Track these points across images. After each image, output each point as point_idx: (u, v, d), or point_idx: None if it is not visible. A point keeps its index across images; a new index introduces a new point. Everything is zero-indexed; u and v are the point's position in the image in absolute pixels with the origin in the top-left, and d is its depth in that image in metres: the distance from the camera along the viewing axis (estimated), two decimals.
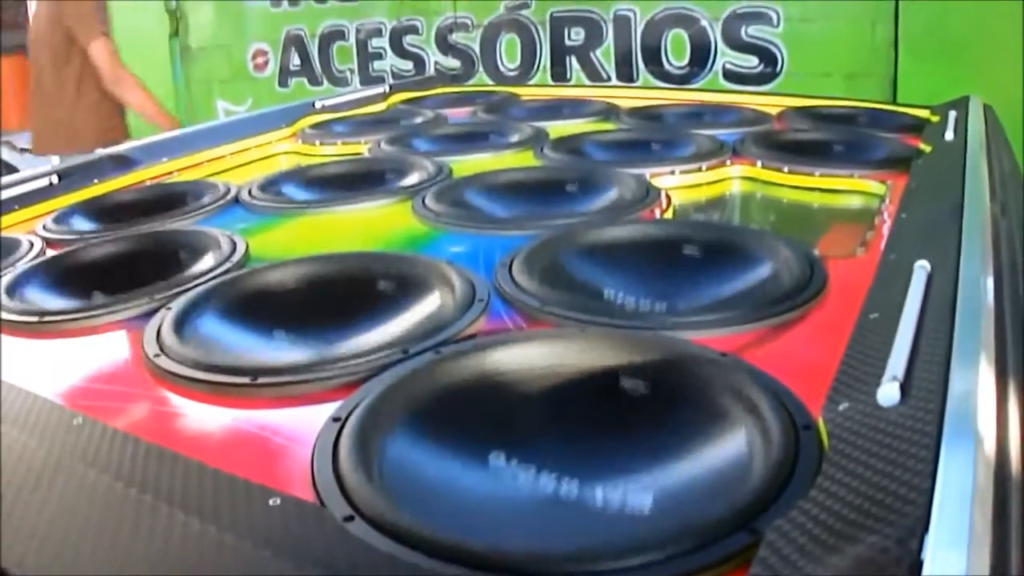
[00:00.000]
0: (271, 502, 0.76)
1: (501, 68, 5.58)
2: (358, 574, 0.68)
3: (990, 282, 1.09)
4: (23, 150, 5.27)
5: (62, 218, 1.93)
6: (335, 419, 0.95)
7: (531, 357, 1.06)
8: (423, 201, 1.82)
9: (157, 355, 1.16)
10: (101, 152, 2.45)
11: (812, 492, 0.74)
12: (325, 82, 6.37)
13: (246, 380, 1.07)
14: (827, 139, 2.31)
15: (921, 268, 1.15)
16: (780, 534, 0.68)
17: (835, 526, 0.67)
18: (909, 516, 0.63)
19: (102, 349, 1.27)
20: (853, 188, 1.98)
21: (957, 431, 0.72)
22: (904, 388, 0.85)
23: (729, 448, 0.89)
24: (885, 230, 1.55)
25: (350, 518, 0.78)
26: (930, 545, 0.59)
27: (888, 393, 0.84)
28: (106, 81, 3.97)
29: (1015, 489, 0.70)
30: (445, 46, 5.79)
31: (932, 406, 0.79)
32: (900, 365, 0.89)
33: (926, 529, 0.60)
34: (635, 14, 5.09)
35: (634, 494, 0.85)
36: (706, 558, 0.71)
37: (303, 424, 0.98)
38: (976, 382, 0.82)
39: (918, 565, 0.57)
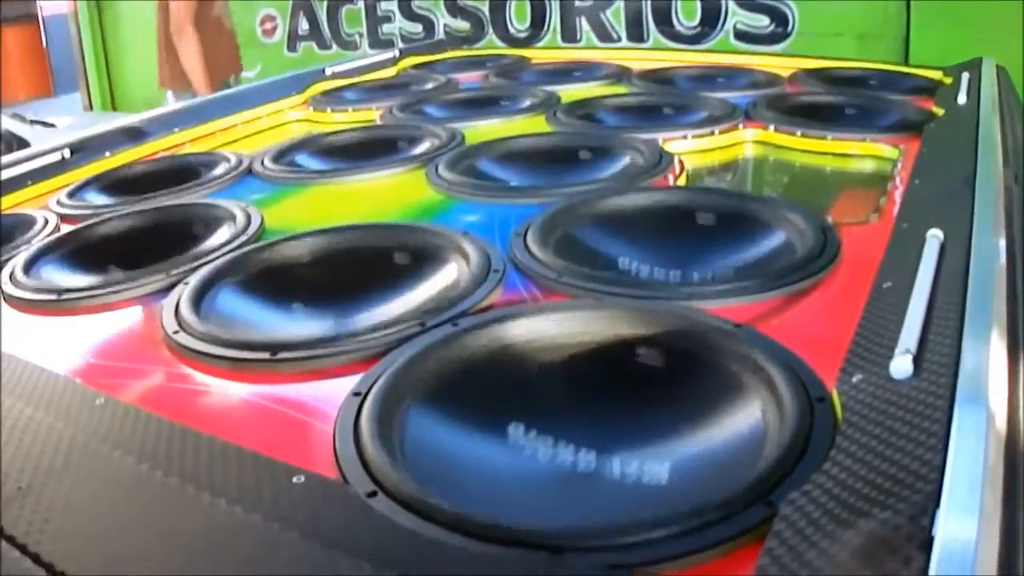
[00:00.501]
0: (295, 479, 0.77)
1: (511, 30, 5.56)
2: (382, 550, 0.69)
3: (1003, 252, 1.10)
4: (33, 122, 5.27)
5: (75, 193, 1.94)
6: (355, 394, 0.96)
7: (547, 329, 1.07)
8: (436, 169, 1.83)
9: (176, 331, 1.17)
10: (112, 124, 2.46)
11: (826, 466, 0.75)
12: (334, 46, 6.36)
13: (266, 356, 1.08)
14: (839, 102, 2.31)
15: (934, 237, 1.15)
16: (795, 508, 0.70)
17: (848, 500, 0.68)
18: (921, 492, 0.65)
19: (121, 326, 1.29)
20: (866, 152, 1.98)
21: (969, 406, 0.74)
22: (917, 361, 0.86)
23: (745, 420, 0.90)
24: (898, 196, 1.55)
25: (373, 494, 0.80)
26: (941, 522, 0.60)
27: (901, 366, 0.85)
28: (171, 29, 4.06)
29: None
30: (454, 8, 5.77)
31: (944, 380, 0.80)
32: (913, 338, 0.89)
33: (937, 506, 0.62)
34: None
35: (651, 467, 0.86)
36: (725, 531, 0.73)
37: (323, 399, 1.00)
38: (987, 355, 0.83)
39: (929, 542, 0.59)
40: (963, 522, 0.59)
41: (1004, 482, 0.66)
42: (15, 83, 11.58)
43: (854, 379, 0.89)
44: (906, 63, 4.16)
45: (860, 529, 0.63)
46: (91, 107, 8.09)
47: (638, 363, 1.02)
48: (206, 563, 0.67)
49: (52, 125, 5.43)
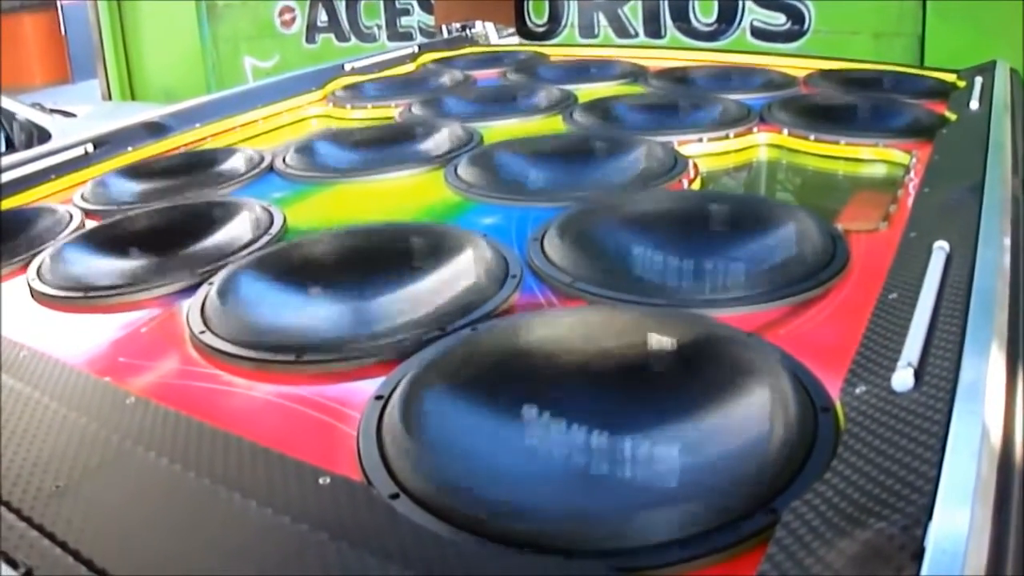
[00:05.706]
0: (321, 481, 0.81)
1: (529, 24, 5.58)
2: (405, 551, 0.73)
3: (1007, 265, 1.13)
4: (53, 111, 5.31)
5: (99, 188, 1.97)
6: (378, 397, 1.00)
7: (563, 335, 1.10)
8: (455, 170, 1.86)
9: (202, 332, 1.21)
10: (134, 119, 2.49)
11: (827, 475, 0.78)
12: (353, 38, 6.39)
13: (291, 357, 1.12)
14: (853, 105, 2.32)
15: (940, 249, 1.18)
16: (796, 516, 0.73)
17: (847, 510, 0.71)
18: (915, 504, 0.68)
19: (148, 325, 1.32)
20: (878, 157, 2.00)
21: (965, 421, 0.77)
22: (918, 374, 0.89)
23: (751, 428, 0.92)
24: (908, 203, 1.58)
25: (395, 495, 0.83)
26: (932, 534, 0.63)
27: (902, 379, 0.88)
28: None
29: (1019, 476, 0.74)
30: None
31: (943, 393, 0.83)
32: (915, 351, 0.93)
33: (930, 517, 0.65)
34: None
35: (660, 471, 0.89)
36: (730, 537, 0.77)
37: (347, 401, 1.03)
38: (986, 369, 0.86)
39: (921, 552, 0.62)
40: (953, 534, 0.63)
41: (995, 496, 0.69)
42: (33, 69, 11.69)
43: (857, 390, 0.92)
44: (922, 62, 4.17)
45: (857, 538, 0.67)
46: (109, 95, 8.11)
47: (650, 371, 1.05)
48: (239, 563, 0.71)
49: (72, 114, 5.46)
